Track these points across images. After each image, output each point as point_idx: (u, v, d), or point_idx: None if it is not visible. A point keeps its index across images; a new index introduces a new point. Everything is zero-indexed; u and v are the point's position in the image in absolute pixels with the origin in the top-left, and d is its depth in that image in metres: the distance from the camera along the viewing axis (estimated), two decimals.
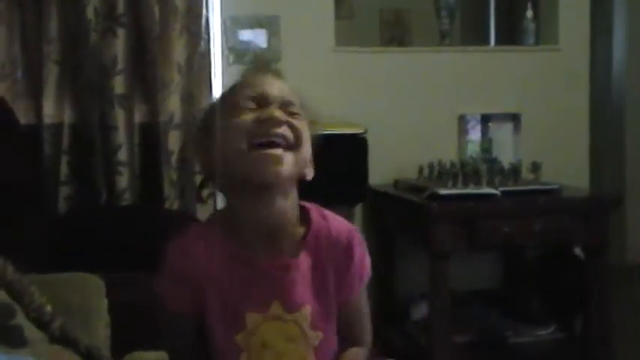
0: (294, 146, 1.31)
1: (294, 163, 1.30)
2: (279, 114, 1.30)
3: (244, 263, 1.33)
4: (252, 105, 1.32)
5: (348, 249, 1.40)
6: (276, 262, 1.34)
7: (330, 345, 1.40)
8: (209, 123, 1.37)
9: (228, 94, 1.37)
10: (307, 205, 1.40)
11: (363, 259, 1.43)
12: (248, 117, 1.30)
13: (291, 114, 1.32)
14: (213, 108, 1.40)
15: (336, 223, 1.41)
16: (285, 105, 1.33)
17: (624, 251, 4.85)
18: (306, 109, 1.37)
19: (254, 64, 1.44)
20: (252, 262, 1.33)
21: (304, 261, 1.36)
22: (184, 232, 1.36)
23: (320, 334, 1.37)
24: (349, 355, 1.44)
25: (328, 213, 1.42)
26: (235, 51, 3.21)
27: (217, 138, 1.32)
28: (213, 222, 1.39)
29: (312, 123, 1.37)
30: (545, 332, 3.16)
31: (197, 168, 2.96)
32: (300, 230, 1.37)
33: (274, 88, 1.34)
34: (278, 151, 1.28)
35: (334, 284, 1.39)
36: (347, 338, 1.44)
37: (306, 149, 1.34)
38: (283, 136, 1.30)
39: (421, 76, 3.46)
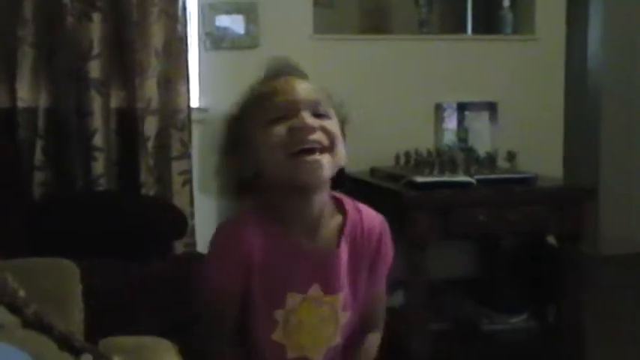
0: (329, 148, 1.37)
1: (331, 163, 1.37)
2: (311, 121, 1.35)
3: (290, 249, 1.41)
4: (281, 114, 1.35)
5: (379, 240, 1.51)
6: (320, 251, 1.43)
7: (352, 322, 1.51)
8: (239, 134, 1.42)
9: (254, 103, 1.41)
10: (338, 195, 1.49)
11: (389, 247, 1.53)
12: (281, 127, 1.34)
13: (321, 116, 1.37)
14: (238, 117, 1.44)
15: (368, 215, 1.52)
16: (314, 107, 1.37)
17: (597, 241, 4.90)
18: (332, 102, 1.44)
19: (272, 69, 1.46)
20: (296, 249, 1.41)
21: (344, 250, 1.45)
22: (235, 219, 1.45)
23: (348, 315, 1.48)
24: (368, 343, 1.58)
25: (360, 205, 1.53)
26: (212, 37, 3.19)
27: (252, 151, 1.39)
28: (257, 211, 1.44)
29: (340, 115, 1.46)
30: (518, 320, 3.18)
31: (173, 153, 2.95)
32: (337, 220, 1.47)
33: (300, 91, 1.39)
34: (315, 157, 1.34)
35: (366, 272, 1.50)
36: (365, 320, 1.55)
37: (341, 147, 1.41)
38: (318, 142, 1.35)
39: (398, 65, 3.46)
